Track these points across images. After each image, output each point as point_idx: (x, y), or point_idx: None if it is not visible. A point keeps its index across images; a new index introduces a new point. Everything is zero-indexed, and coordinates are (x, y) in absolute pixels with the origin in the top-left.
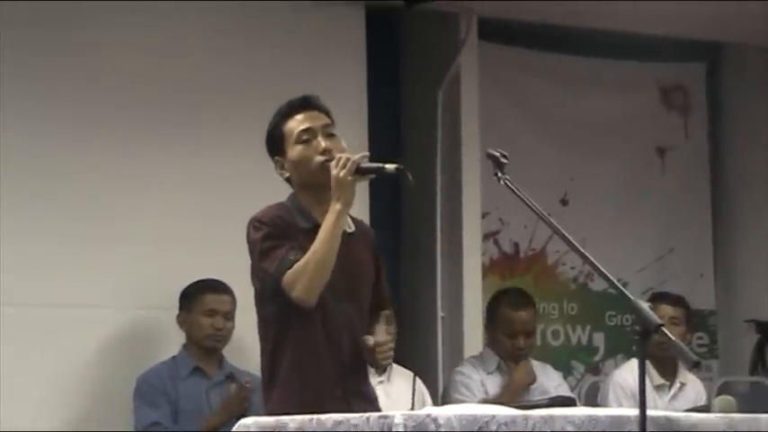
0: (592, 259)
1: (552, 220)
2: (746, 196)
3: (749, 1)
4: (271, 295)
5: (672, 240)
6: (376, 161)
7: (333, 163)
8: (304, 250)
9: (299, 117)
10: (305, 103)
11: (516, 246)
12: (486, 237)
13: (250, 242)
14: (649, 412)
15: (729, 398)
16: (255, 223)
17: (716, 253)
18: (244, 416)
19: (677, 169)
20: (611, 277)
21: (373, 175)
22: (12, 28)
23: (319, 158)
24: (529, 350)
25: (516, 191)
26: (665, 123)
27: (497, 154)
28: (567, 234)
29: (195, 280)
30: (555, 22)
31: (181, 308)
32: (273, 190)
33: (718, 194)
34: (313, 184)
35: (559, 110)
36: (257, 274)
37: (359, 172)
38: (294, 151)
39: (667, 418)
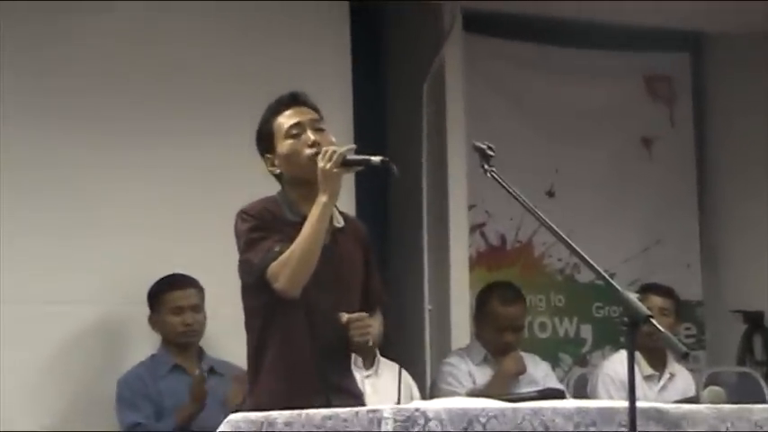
0: (579, 251)
1: (539, 212)
2: (733, 186)
3: None
4: (255, 287)
5: (658, 231)
6: (362, 154)
7: (319, 156)
8: (291, 242)
9: (287, 113)
10: (293, 100)
11: (503, 238)
12: (472, 229)
13: (237, 234)
14: (639, 404)
15: (718, 389)
16: (243, 215)
17: (702, 243)
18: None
19: (663, 159)
20: (599, 268)
21: (359, 168)
22: (6, 23)
23: (308, 152)
24: (517, 344)
25: (503, 183)
26: (650, 113)
27: (484, 146)
28: (554, 226)
29: (156, 280)
30: (539, 13)
31: (150, 309)
32: (259, 183)
33: (704, 184)
34: (303, 179)
35: (545, 101)
36: (242, 266)
37: (345, 164)
38: (284, 146)
39: (657, 410)
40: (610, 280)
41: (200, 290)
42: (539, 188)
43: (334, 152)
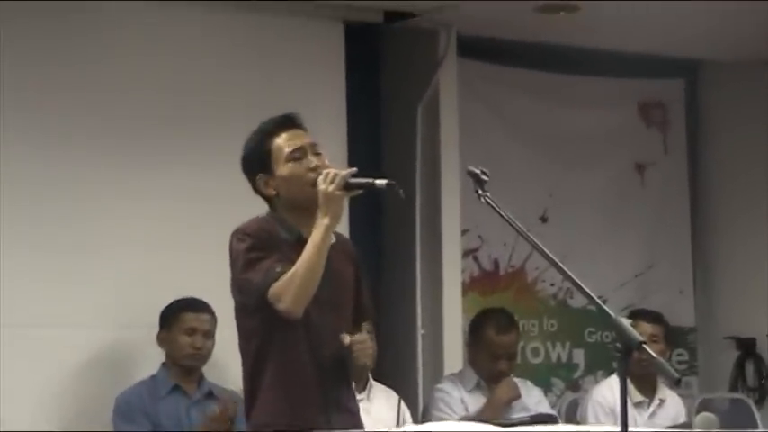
0: (573, 276)
1: (532, 237)
2: (726, 212)
3: (727, 19)
4: (255, 307)
5: (651, 257)
6: (358, 176)
7: (320, 178)
8: (289, 262)
9: (285, 135)
10: (290, 122)
11: (496, 262)
12: (465, 253)
13: (233, 253)
14: (631, 429)
15: (710, 415)
16: (239, 235)
17: (695, 269)
18: None
19: (657, 185)
20: (592, 294)
21: (360, 191)
22: (7, 38)
23: (311, 176)
24: (510, 371)
25: (497, 208)
26: (644, 140)
27: (478, 171)
28: (547, 251)
29: (175, 299)
30: (534, 39)
31: (161, 327)
32: (259, 202)
33: (697, 210)
34: (302, 202)
35: (539, 126)
36: (240, 286)
37: (347, 187)
38: (285, 169)
39: None
40: (602, 305)
41: (214, 318)
42: (532, 213)
43: (336, 175)
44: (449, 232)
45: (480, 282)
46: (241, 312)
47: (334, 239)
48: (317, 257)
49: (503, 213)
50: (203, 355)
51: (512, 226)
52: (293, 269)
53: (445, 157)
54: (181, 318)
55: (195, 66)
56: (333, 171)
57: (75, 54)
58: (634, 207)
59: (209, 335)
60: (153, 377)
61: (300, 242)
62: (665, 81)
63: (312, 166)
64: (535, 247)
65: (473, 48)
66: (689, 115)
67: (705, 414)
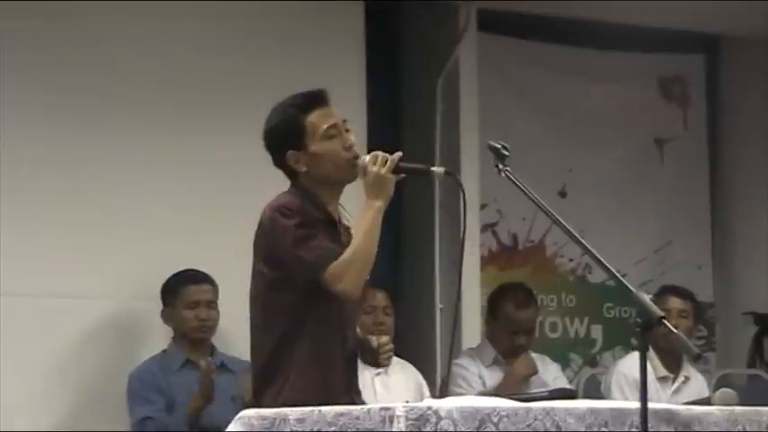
0: (593, 250)
1: (553, 212)
2: (745, 188)
3: None
4: (301, 283)
5: (670, 232)
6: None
7: (368, 159)
8: (333, 242)
9: (319, 112)
10: (322, 98)
11: (515, 237)
12: (484, 228)
13: (278, 229)
14: (651, 405)
15: (730, 390)
16: (284, 210)
17: (714, 245)
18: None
19: (676, 161)
20: (612, 269)
21: (408, 175)
22: (12, 18)
23: (347, 154)
24: (528, 346)
25: (517, 183)
26: (664, 115)
27: (498, 146)
28: (567, 225)
29: (173, 273)
30: (554, 13)
31: (164, 304)
32: (273, 181)
33: (716, 186)
34: (335, 180)
35: (558, 101)
36: (287, 262)
37: (399, 171)
38: (321, 146)
39: (669, 411)
40: (623, 280)
41: (215, 286)
42: (551, 188)
43: (386, 158)
44: (468, 207)
45: (499, 256)
46: (270, 287)
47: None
48: (375, 239)
49: (523, 187)
50: (210, 326)
51: (531, 200)
52: (352, 251)
53: (465, 131)
54: (182, 292)
55: (214, 43)
56: (382, 154)
57: (90, 25)
58: (653, 182)
59: (213, 305)
60: (164, 352)
61: (330, 221)
62: (686, 56)
63: (348, 144)
64: (555, 221)
65: (493, 22)
66: (709, 91)
67: (724, 389)
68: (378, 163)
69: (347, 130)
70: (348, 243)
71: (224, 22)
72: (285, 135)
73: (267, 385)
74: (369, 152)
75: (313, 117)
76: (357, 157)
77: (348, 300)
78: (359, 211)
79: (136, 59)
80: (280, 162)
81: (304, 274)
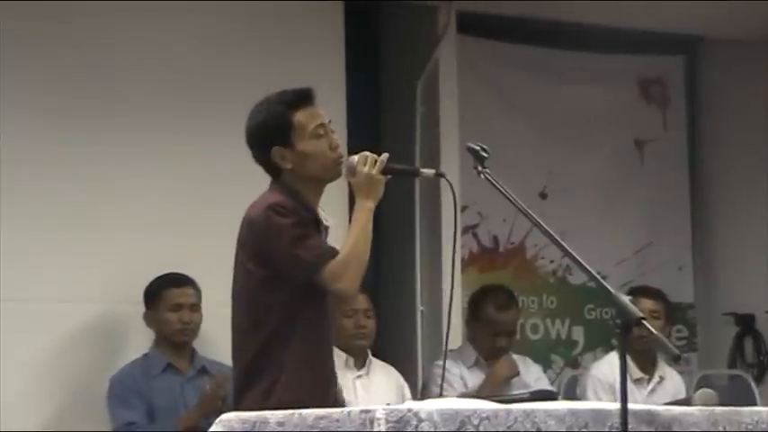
0: (573, 253)
1: (532, 214)
2: (725, 189)
3: None
4: (302, 282)
5: (651, 233)
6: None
7: (358, 160)
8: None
9: (306, 111)
10: (309, 97)
11: (495, 239)
12: (465, 230)
13: (274, 227)
14: (630, 406)
15: (710, 391)
16: (278, 208)
17: (694, 246)
18: (221, 412)
19: (656, 162)
20: (592, 270)
21: (396, 176)
22: (13, 18)
23: (333, 154)
24: (509, 348)
25: (496, 185)
26: (643, 116)
27: (477, 148)
28: (546, 227)
29: (155, 276)
30: (533, 15)
31: (146, 306)
32: (255, 182)
33: (696, 187)
34: (319, 179)
35: (538, 103)
36: (282, 259)
37: (388, 172)
38: (309, 145)
39: (648, 412)
40: (602, 282)
41: (198, 289)
42: (531, 189)
43: (375, 159)
44: (448, 209)
45: (479, 258)
46: (261, 286)
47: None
48: (369, 239)
49: (502, 189)
50: (192, 329)
51: (511, 202)
52: (347, 251)
53: (444, 133)
54: (164, 295)
55: (197, 44)
56: (371, 155)
57: (82, 30)
58: (633, 184)
59: (196, 308)
60: (145, 356)
61: (316, 219)
62: (665, 58)
63: (334, 144)
64: (535, 223)
65: (472, 24)
66: (689, 92)
67: (705, 390)
68: (368, 164)
69: (333, 131)
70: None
71: (205, 24)
72: (272, 131)
73: (253, 385)
74: (349, 153)
75: (300, 115)
76: (342, 157)
77: (344, 299)
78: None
79: (125, 61)
80: (262, 158)
81: (302, 273)
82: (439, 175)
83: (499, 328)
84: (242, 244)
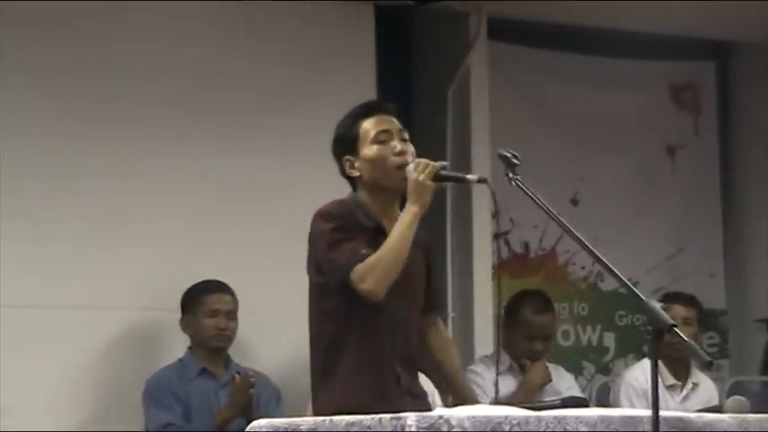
0: (603, 259)
1: (563, 220)
2: (756, 195)
3: (759, 1)
4: (334, 288)
5: (682, 240)
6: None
7: (411, 166)
8: (370, 246)
9: (373, 119)
10: (379, 106)
11: (526, 245)
12: (496, 236)
13: (316, 233)
14: (662, 413)
15: (742, 398)
16: (323, 215)
17: (726, 252)
18: (249, 409)
19: (687, 168)
20: (623, 277)
21: (450, 183)
22: (26, 23)
23: (395, 159)
24: (545, 353)
25: (527, 191)
26: (675, 122)
27: (509, 154)
28: (577, 234)
29: (194, 283)
30: (565, 21)
31: (183, 312)
32: (290, 189)
33: (728, 193)
34: (383, 185)
35: (569, 109)
36: (322, 266)
37: (439, 179)
38: (370, 151)
39: (680, 419)
40: (633, 288)
41: (235, 297)
42: (563, 196)
43: (428, 165)
44: (479, 215)
45: (510, 265)
46: (319, 293)
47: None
48: (404, 242)
49: (533, 196)
50: (228, 335)
51: (542, 208)
52: (380, 252)
53: (475, 140)
54: (202, 301)
55: (224, 51)
56: (425, 161)
57: (95, 39)
58: (665, 190)
59: (232, 315)
60: (180, 361)
61: (379, 230)
62: (697, 63)
63: (397, 150)
64: (565, 229)
65: (503, 30)
66: (720, 97)
67: (736, 397)
68: (418, 170)
69: (405, 140)
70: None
71: (233, 30)
72: (343, 141)
73: (321, 388)
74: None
75: (367, 123)
76: (406, 163)
77: (372, 299)
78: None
79: (145, 68)
80: (341, 169)
81: (335, 276)
82: (482, 180)
83: (536, 331)
84: (308, 252)
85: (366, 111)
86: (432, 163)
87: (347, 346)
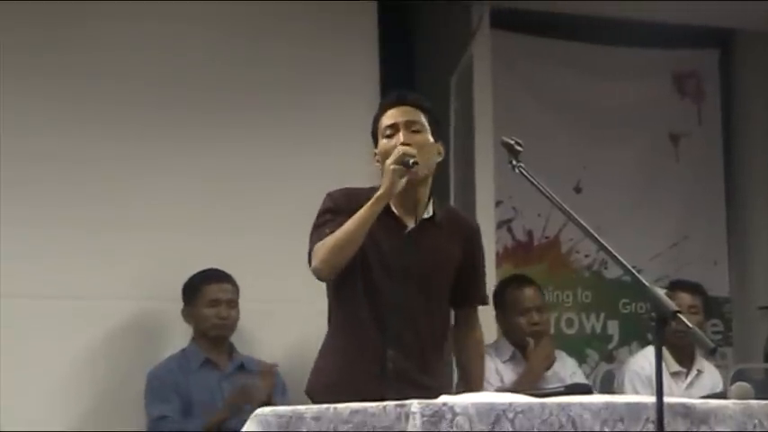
0: (607, 246)
1: (567, 208)
2: (760, 183)
3: None
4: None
5: (685, 227)
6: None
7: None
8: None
9: (390, 112)
10: (397, 99)
11: (530, 234)
12: (499, 225)
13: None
14: (666, 399)
15: (746, 384)
16: (327, 196)
17: (729, 240)
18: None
19: (691, 156)
20: (627, 265)
21: (411, 168)
22: (19, 24)
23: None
24: (546, 327)
25: (531, 179)
26: (678, 110)
27: (512, 142)
28: (582, 221)
29: (195, 273)
30: (568, 10)
31: (184, 302)
32: (291, 180)
33: (731, 181)
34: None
35: (573, 97)
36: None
37: (404, 163)
38: (380, 145)
39: (684, 405)
40: (637, 276)
41: (236, 286)
42: (566, 184)
43: (401, 152)
44: (483, 203)
45: (514, 253)
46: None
47: (432, 213)
48: (356, 225)
49: (537, 184)
50: (229, 324)
51: (546, 196)
52: (334, 233)
53: (479, 128)
54: (203, 290)
55: (228, 43)
56: (402, 148)
57: (106, 33)
58: (668, 178)
59: (233, 304)
60: (183, 351)
61: (387, 213)
62: (700, 51)
63: (398, 142)
64: (569, 217)
65: (506, 19)
66: (723, 86)
67: (740, 384)
68: (391, 156)
69: (415, 131)
70: (415, 234)
71: (235, 23)
72: (372, 136)
73: (313, 368)
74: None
75: (385, 117)
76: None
77: (318, 277)
78: None
79: (150, 58)
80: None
81: (308, 257)
82: (415, 164)
83: (526, 304)
84: None
85: (386, 103)
86: (404, 150)
87: (334, 326)
